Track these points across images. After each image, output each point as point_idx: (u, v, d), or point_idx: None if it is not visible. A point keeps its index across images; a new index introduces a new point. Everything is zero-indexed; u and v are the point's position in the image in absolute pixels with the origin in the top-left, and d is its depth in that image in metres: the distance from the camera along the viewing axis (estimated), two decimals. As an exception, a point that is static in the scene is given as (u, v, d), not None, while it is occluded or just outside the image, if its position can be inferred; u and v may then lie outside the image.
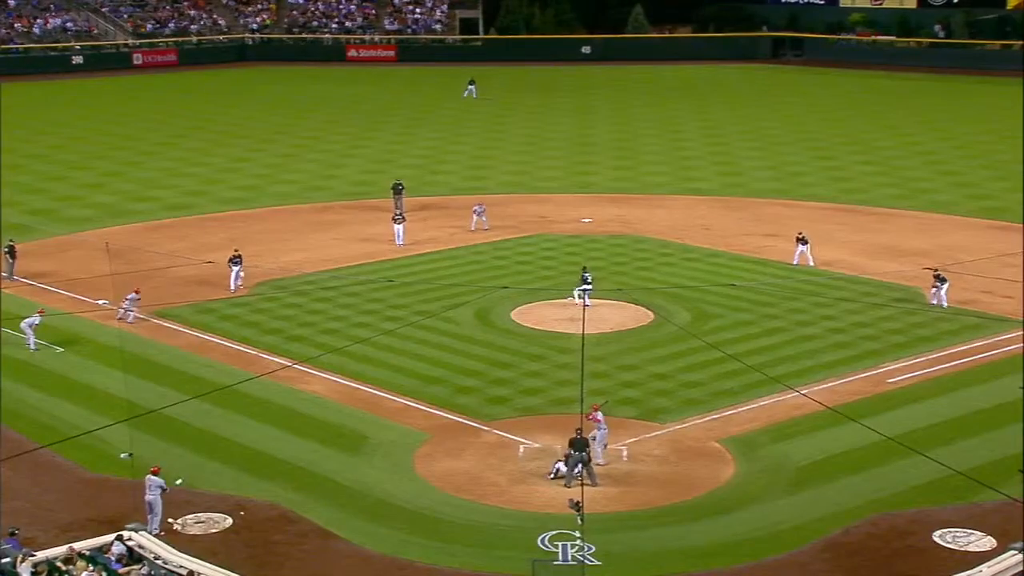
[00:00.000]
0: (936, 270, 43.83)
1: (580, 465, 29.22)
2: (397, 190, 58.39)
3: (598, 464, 30.31)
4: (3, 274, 46.23)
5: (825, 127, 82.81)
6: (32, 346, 38.95)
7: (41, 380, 36.64)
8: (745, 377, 35.62)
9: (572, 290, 42.45)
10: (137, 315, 40.70)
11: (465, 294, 43.72)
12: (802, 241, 49.26)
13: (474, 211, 54.79)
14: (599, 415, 30.93)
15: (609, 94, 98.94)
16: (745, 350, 38.08)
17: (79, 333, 40.72)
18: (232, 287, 44.62)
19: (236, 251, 45.46)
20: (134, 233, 54.46)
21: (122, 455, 29.27)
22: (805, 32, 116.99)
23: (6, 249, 46.67)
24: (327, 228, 55.70)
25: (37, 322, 39.21)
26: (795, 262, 48.92)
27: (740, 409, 34.27)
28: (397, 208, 57.35)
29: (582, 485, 27.89)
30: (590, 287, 42.10)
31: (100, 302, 43.51)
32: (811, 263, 48.43)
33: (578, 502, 26.14)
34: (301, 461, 31.06)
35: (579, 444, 29.41)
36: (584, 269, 43.76)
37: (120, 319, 37.49)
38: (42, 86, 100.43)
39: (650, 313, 42.50)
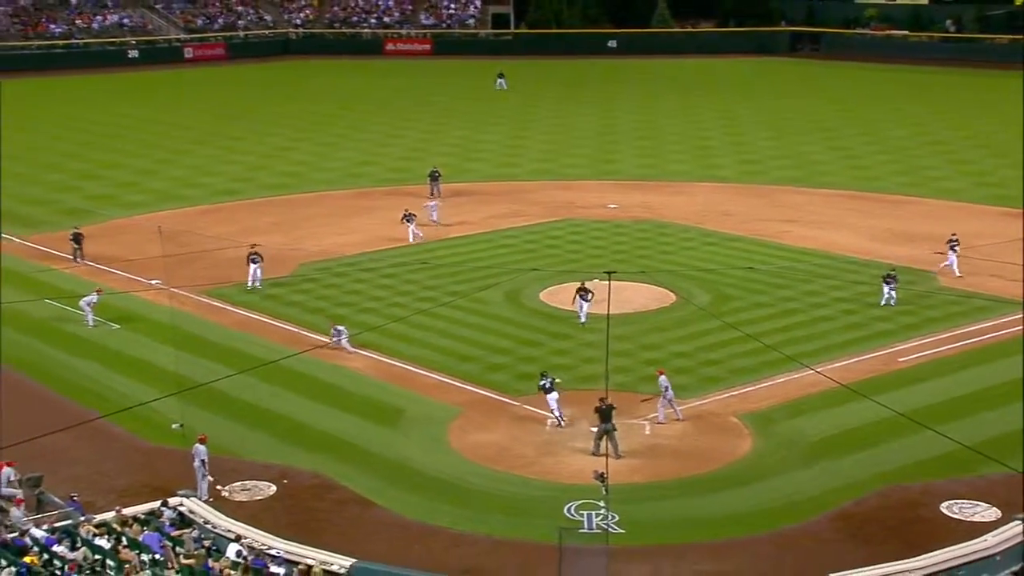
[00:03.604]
0: (892, 270, 41.94)
1: (605, 435, 29.27)
2: (434, 177, 58.29)
3: (660, 423, 31.06)
4: (71, 258, 46.51)
5: (840, 117, 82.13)
6: (90, 323, 39.30)
7: (98, 355, 37.01)
8: (762, 356, 35.49)
9: (576, 300, 38.49)
10: (348, 346, 36.83)
11: (496, 276, 43.67)
12: (952, 247, 44.00)
13: (426, 206, 52.60)
14: (663, 379, 31.47)
15: (634, 86, 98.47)
16: (762, 330, 37.91)
17: (133, 311, 41.05)
18: (249, 284, 43.02)
19: (254, 247, 44.05)
20: (185, 217, 54.74)
21: (173, 425, 29.52)
22: (822, 27, 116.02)
23: (71, 236, 47.00)
24: (366, 213, 55.81)
25: (95, 300, 39.55)
26: (942, 266, 43.96)
27: (757, 386, 34.15)
28: (433, 194, 57.46)
29: (606, 456, 27.88)
30: (588, 302, 38.70)
31: (153, 282, 43.82)
32: (956, 273, 43.43)
33: (603, 473, 26.15)
34: (341, 433, 31.21)
35: (605, 413, 29.46)
36: (581, 285, 39.37)
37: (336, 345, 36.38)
38: (100, 79, 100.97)
39: (672, 295, 42.37)
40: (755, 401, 33.19)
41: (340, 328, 37.56)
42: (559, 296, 42.03)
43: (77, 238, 47.14)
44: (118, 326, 39.56)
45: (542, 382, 32.17)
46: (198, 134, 77.39)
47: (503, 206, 57.18)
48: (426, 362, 35.98)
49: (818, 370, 33.48)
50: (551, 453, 30.04)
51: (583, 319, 38.19)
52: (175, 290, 42.46)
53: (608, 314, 34.00)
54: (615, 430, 29.48)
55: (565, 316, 39.75)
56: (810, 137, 75.31)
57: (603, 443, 29.29)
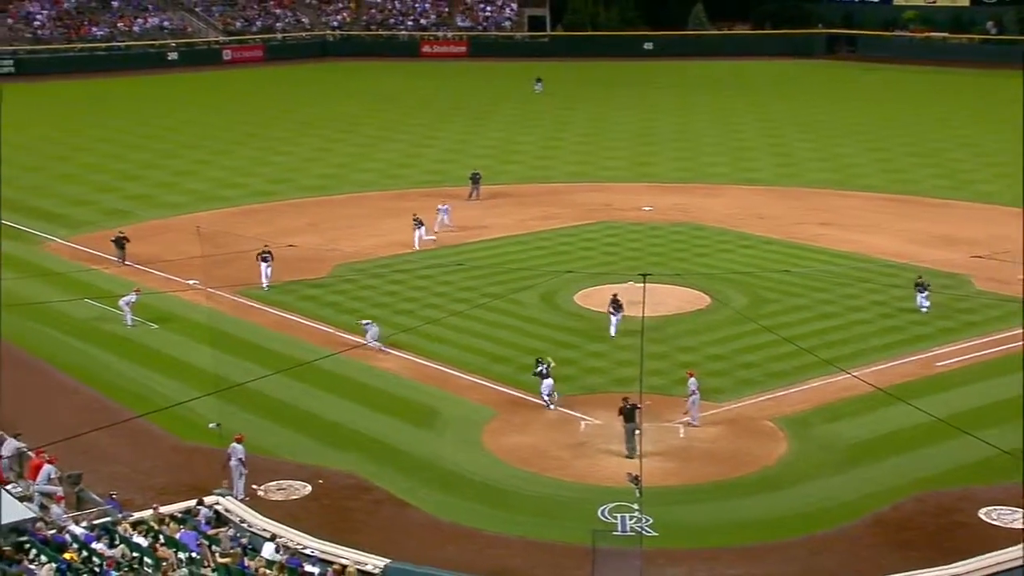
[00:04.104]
0: (920, 277, 41.41)
1: (634, 434, 29.40)
2: (475, 179, 58.27)
3: (693, 426, 30.86)
4: (116, 260, 46.72)
5: (877, 120, 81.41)
6: (129, 322, 39.62)
7: (137, 354, 37.31)
8: (798, 359, 35.27)
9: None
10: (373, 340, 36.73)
11: (531, 278, 43.67)
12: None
13: (439, 210, 51.87)
14: (693, 381, 31.24)
15: (670, 88, 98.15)
16: (799, 333, 37.67)
17: (171, 311, 41.35)
18: (264, 285, 43.15)
19: (266, 247, 44.13)
20: (222, 218, 55.09)
21: (210, 425, 29.70)
22: (859, 29, 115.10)
23: (115, 239, 47.19)
24: (402, 214, 55.73)
25: (133, 300, 39.85)
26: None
27: (793, 390, 33.94)
28: (472, 196, 57.37)
29: (640, 458, 27.81)
30: (619, 316, 37.34)
31: (191, 282, 44.13)
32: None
33: (637, 476, 26.09)
34: (376, 433, 31.30)
35: (628, 413, 29.51)
36: (613, 298, 38.04)
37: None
38: (141, 81, 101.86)
39: (707, 297, 42.18)
40: (791, 405, 32.98)
41: (369, 322, 37.92)
42: (594, 298, 41.94)
43: (120, 242, 47.23)
44: (156, 326, 39.88)
45: (538, 368, 32.75)
46: (236, 135, 77.87)
47: (539, 208, 57.11)
48: (461, 363, 36.01)
49: (854, 374, 33.21)
50: (585, 455, 29.99)
51: (613, 333, 37.56)
52: (212, 290, 42.75)
53: (643, 317, 33.89)
54: (639, 431, 29.51)
55: (600, 318, 39.63)
56: (847, 139, 74.73)
57: (637, 443, 29.31)
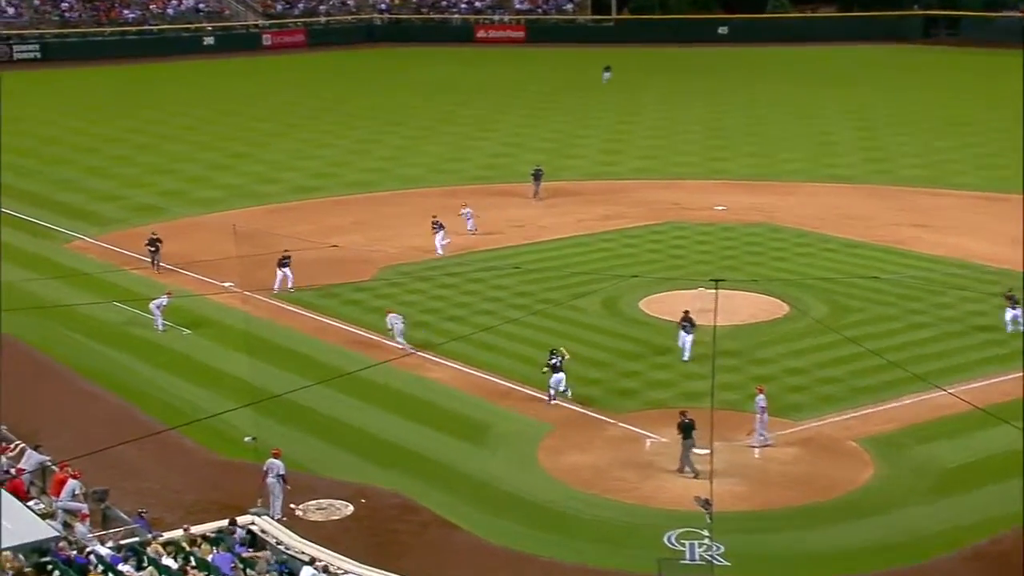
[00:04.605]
0: (1010, 290, 40.27)
1: (690, 452, 29.45)
2: (537, 176, 58.44)
3: (768, 445, 30.71)
4: (150, 263, 46.85)
5: (979, 111, 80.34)
6: (160, 327, 40.07)
7: (168, 361, 37.74)
8: (886, 374, 34.88)
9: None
10: (400, 339, 37.92)
11: (593, 282, 43.59)
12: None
13: (462, 213, 51.60)
14: (762, 397, 31.03)
15: (746, 76, 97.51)
16: (886, 346, 37.24)
17: (205, 315, 41.78)
18: (276, 288, 43.39)
19: (286, 252, 44.44)
20: (260, 215, 55.59)
21: (246, 439, 29.92)
22: (960, 10, 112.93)
23: (148, 242, 47.19)
24: (454, 213, 56.08)
25: (165, 303, 40.30)
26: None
27: (881, 407, 33.55)
28: (536, 194, 57.42)
29: (711, 480, 27.62)
30: (692, 335, 36.52)
31: (226, 285, 44.52)
32: None
33: (707, 499, 25.90)
34: (423, 450, 31.39)
35: (686, 428, 29.49)
36: (684, 315, 37.42)
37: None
38: (174, 67, 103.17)
39: (785, 305, 41.85)
40: (878, 424, 32.61)
41: (396, 316, 38.30)
42: (661, 305, 41.85)
43: (154, 244, 47.10)
44: (189, 331, 40.30)
45: (551, 360, 33.47)
46: (276, 126, 78.57)
47: (601, 207, 57.02)
48: (516, 374, 36.00)
49: (949, 391, 32.73)
50: (650, 476, 29.87)
51: (686, 357, 36.63)
52: (249, 294, 43.14)
53: (715, 326, 33.68)
54: (694, 446, 29.52)
55: (667, 327, 39.46)
56: (943, 133, 73.83)
57: (696, 460, 29.44)
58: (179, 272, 46.63)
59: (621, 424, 32.67)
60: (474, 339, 38.02)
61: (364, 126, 78.51)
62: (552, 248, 50.02)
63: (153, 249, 47.00)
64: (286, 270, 44.00)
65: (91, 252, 50.33)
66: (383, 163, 67.48)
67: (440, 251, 48.49)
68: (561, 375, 33.92)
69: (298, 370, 35.96)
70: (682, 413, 30.17)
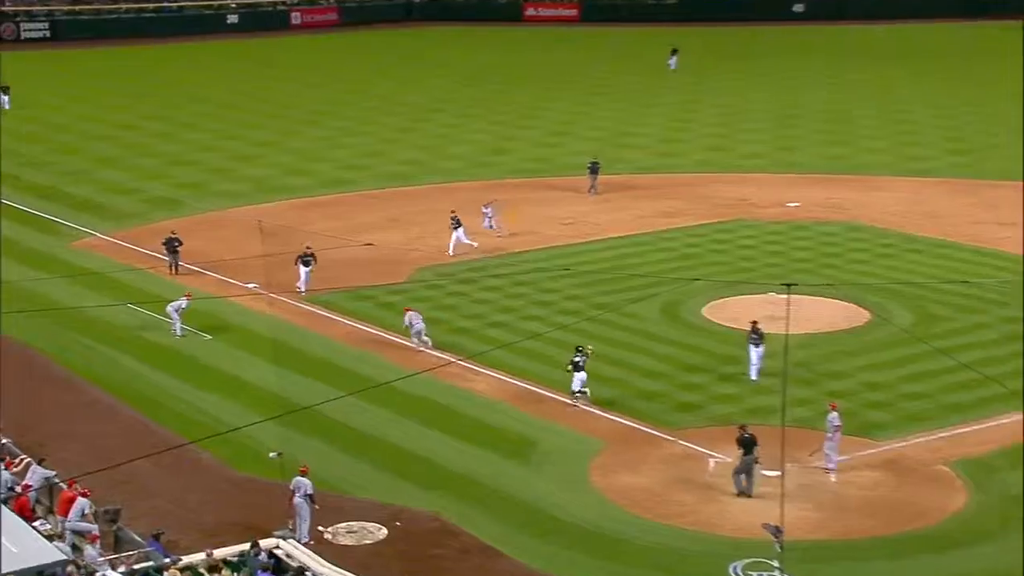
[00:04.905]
0: None
1: (746, 472, 29.37)
2: (593, 169, 58.45)
3: (830, 470, 30.61)
4: (167, 267, 46.69)
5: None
6: (178, 332, 40.34)
7: (186, 369, 37.99)
8: (980, 389, 34.55)
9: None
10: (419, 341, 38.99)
11: (651, 286, 43.41)
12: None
13: (483, 211, 51.31)
14: (834, 415, 30.81)
15: (822, 58, 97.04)
16: (980, 358, 36.90)
17: (228, 319, 42.05)
18: (303, 288, 43.88)
19: (308, 248, 44.61)
20: (287, 210, 55.93)
21: (271, 454, 29.99)
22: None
23: (165, 242, 47.26)
24: (497, 208, 56.19)
25: (184, 306, 40.53)
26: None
27: (974, 427, 33.21)
28: (592, 189, 57.39)
29: (781, 505, 27.48)
30: (760, 348, 36.19)
31: (250, 286, 44.77)
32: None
33: (777, 527, 25.75)
34: (464, 468, 31.43)
35: (745, 444, 29.39)
36: (753, 327, 36.90)
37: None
38: (196, 48, 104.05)
39: (865, 312, 41.59)
40: (971, 445, 32.29)
41: (414, 314, 38.75)
42: (726, 311, 41.71)
43: (172, 245, 47.09)
44: (209, 336, 40.57)
45: (577, 358, 34.31)
46: (305, 113, 79.01)
47: (661, 203, 56.93)
48: (565, 386, 35.83)
49: (1049, 410, 32.45)
50: (713, 499, 29.76)
51: (754, 376, 36.29)
52: (275, 296, 43.39)
53: (786, 335, 33.51)
54: (757, 463, 29.43)
55: (732, 335, 39.35)
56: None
57: (746, 479, 29.39)
58: (199, 272, 46.96)
59: (681, 441, 32.58)
60: (520, 347, 38.02)
61: (400, 113, 78.77)
62: (606, 248, 49.99)
63: (171, 250, 47.08)
64: (308, 269, 44.20)
65: (102, 249, 50.80)
66: (420, 154, 67.67)
67: (452, 251, 48.44)
68: (583, 375, 34.54)
69: (328, 380, 36.12)
70: (741, 428, 30.19)
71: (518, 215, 52.45)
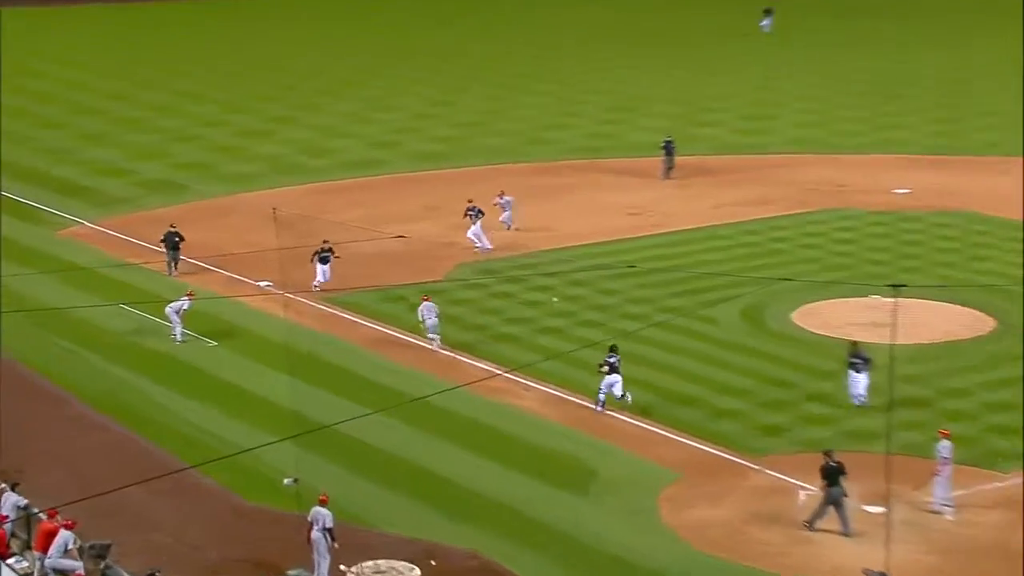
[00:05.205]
0: None
1: (832, 505, 29.24)
2: (668, 149, 58.43)
3: (946, 508, 30.25)
4: (166, 268, 46.90)
5: None
6: (178, 337, 40.52)
7: (188, 381, 38.13)
8: None
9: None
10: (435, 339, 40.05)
11: (731, 287, 43.30)
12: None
13: (498, 203, 51.37)
14: (946, 445, 30.50)
15: (940, 17, 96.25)
16: (1126, 375, 36.57)
17: (235, 322, 42.24)
18: (320, 284, 44.35)
19: (326, 243, 44.98)
20: (306, 196, 56.17)
21: (285, 481, 30.05)
22: None
23: (164, 238, 47.28)
24: (550, 195, 56.11)
25: (185, 307, 40.67)
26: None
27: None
28: (667, 172, 57.56)
29: (887, 546, 27.29)
30: (864, 374, 35.68)
31: (263, 284, 44.97)
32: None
33: (882, 573, 25.58)
34: (510, 499, 31.36)
35: (832, 474, 29.33)
36: (854, 349, 36.43)
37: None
38: (199, 5, 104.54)
39: (989, 319, 41.33)
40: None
41: (430, 305, 39.20)
42: (820, 317, 41.53)
43: (173, 241, 47.20)
44: (215, 343, 40.77)
45: (611, 358, 35.06)
46: (326, 82, 79.28)
47: (744, 189, 56.89)
48: (630, 404, 35.90)
49: None
50: (804, 539, 29.52)
51: (858, 399, 35.76)
52: (292, 296, 43.49)
53: (892, 346, 33.22)
54: (846, 497, 29.29)
55: (827, 345, 39.13)
56: None
57: (838, 516, 29.20)
58: (203, 268, 47.17)
59: (766, 471, 32.40)
60: (576, 358, 37.86)
61: (437, 81, 78.88)
62: (679, 242, 49.99)
63: (171, 247, 47.18)
64: (327, 267, 44.43)
65: (90, 240, 51.21)
66: (459, 130, 67.79)
67: (483, 243, 48.76)
68: (618, 377, 34.92)
69: (352, 394, 36.21)
70: (826, 454, 29.90)
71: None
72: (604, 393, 35.34)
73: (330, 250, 44.80)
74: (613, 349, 35.65)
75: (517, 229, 50.95)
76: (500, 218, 50.92)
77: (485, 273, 46.55)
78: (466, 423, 35.02)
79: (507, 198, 51.44)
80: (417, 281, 44.99)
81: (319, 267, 44.53)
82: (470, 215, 49.14)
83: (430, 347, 39.63)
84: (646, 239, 50.35)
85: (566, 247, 49.21)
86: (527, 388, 37.16)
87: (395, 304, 43.72)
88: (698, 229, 51.47)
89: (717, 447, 33.69)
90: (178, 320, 40.60)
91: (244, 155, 63.13)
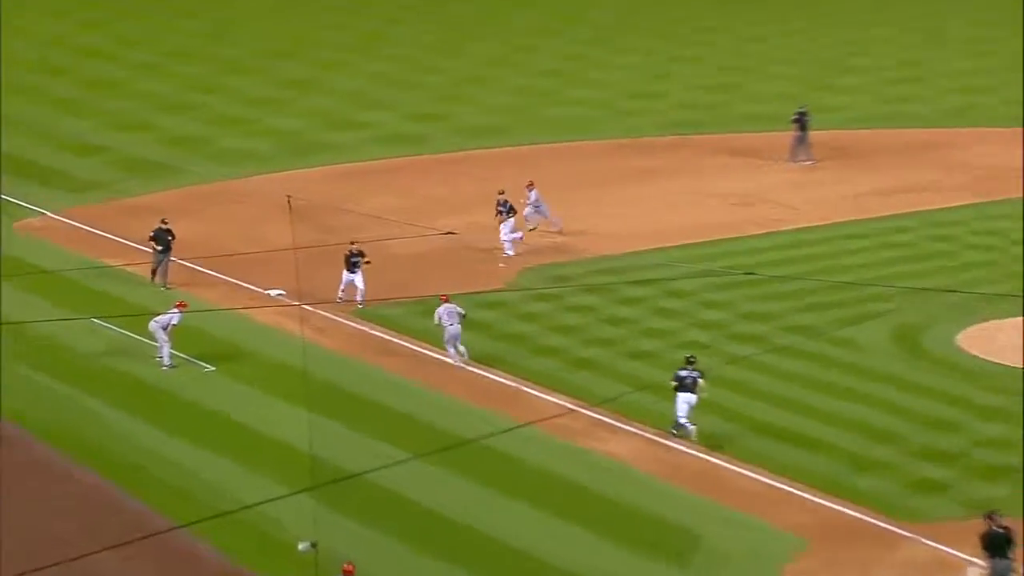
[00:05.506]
0: None
1: None
2: (801, 122, 58.31)
3: None
4: (150, 273, 46.82)
5: None
6: (166, 360, 40.41)
7: (177, 417, 37.99)
8: None
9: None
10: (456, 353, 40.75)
11: (875, 300, 43.37)
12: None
13: (529, 200, 51.09)
14: None
15: None
16: None
17: (238, 342, 42.20)
18: (340, 295, 44.63)
19: (354, 245, 44.93)
20: (328, 181, 56.26)
21: (300, 545, 29.90)
22: None
23: (152, 236, 46.91)
24: (637, 180, 55.94)
25: (175, 322, 40.52)
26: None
27: None
28: (799, 153, 57.46)
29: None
30: (692, 398, 36.54)
31: (273, 293, 45.01)
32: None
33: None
34: (591, 570, 31.21)
35: (996, 544, 29.18)
36: (688, 361, 37.22)
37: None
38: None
39: None
40: None
41: (450, 308, 39.51)
42: (993, 342, 41.35)
43: (164, 239, 46.85)
44: (212, 367, 40.64)
45: (685, 373, 35.57)
46: (354, 37, 79.41)
47: (889, 174, 56.61)
48: (742, 451, 35.65)
49: None
50: (974, 631, 29.29)
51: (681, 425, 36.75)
52: (310, 308, 43.40)
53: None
54: (1013, 573, 29.18)
55: (1004, 375, 38.92)
56: None
57: None
58: (197, 271, 47.19)
59: (922, 540, 32.17)
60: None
61: (493, 37, 78.83)
62: (809, 242, 49.98)
63: (161, 246, 46.82)
64: (356, 275, 44.40)
65: (55, 236, 51.24)
66: (520, 98, 67.83)
67: (508, 249, 48.85)
68: (692, 398, 35.19)
69: (385, 434, 36.16)
70: (989, 517, 29.73)
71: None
72: (683, 417, 35.70)
73: (359, 253, 44.51)
74: (690, 361, 35.84)
75: (558, 230, 50.80)
76: (524, 213, 50.66)
77: (558, 281, 46.43)
78: (534, 473, 34.90)
79: (533, 192, 51.08)
80: (469, 290, 44.86)
81: (345, 275, 44.30)
82: (501, 212, 49.10)
83: (453, 363, 40.07)
84: (762, 238, 50.30)
85: (657, 248, 49.11)
86: (612, 428, 36.95)
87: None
88: (832, 225, 51.40)
89: (857, 508, 33.39)
90: (165, 339, 40.47)
91: (250, 128, 63.22)
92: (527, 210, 50.77)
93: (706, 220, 51.46)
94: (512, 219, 49.19)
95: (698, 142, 60.48)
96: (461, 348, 40.00)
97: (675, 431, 35.84)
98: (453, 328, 39.85)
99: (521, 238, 49.29)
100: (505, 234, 48.99)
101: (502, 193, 49.57)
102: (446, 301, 40.30)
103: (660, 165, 57.25)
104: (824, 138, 59.73)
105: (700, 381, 35.82)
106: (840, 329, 41.68)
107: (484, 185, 55.32)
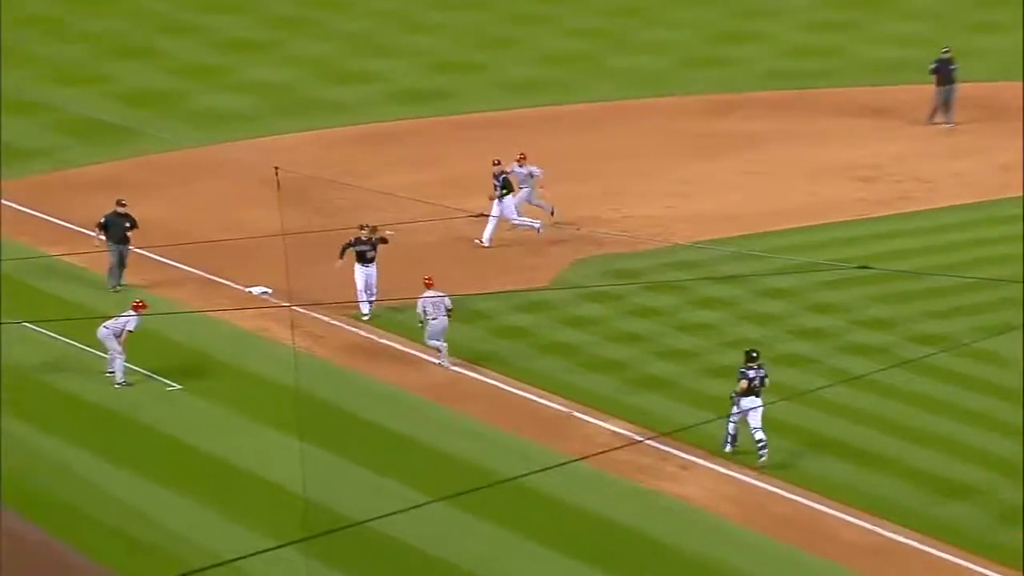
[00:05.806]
0: None
1: None
2: (944, 72, 58.53)
3: None
4: (107, 277, 47.27)
5: None
6: (119, 376, 40.75)
7: (134, 448, 38.24)
8: None
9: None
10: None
11: (1024, 303, 43.31)
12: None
13: (513, 172, 51.34)
14: None
15: None
16: None
17: (211, 354, 42.56)
18: (364, 300, 45.10)
19: (365, 229, 45.24)
20: (327, 148, 56.90)
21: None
22: None
23: (101, 222, 47.25)
24: (723, 148, 56.08)
25: (131, 327, 40.75)
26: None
27: None
28: (938, 112, 57.47)
29: None
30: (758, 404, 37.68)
31: (255, 291, 45.61)
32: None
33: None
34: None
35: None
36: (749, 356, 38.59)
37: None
38: None
39: None
40: None
41: (435, 298, 40.25)
42: None
43: (120, 227, 47.11)
44: (178, 385, 40.92)
45: (750, 371, 36.38)
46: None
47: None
48: (857, 496, 35.78)
49: None
50: None
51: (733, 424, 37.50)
52: (301, 309, 43.60)
53: None
54: None
55: None
56: None
57: None
58: (159, 264, 47.53)
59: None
60: (767, 415, 37.68)
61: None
62: (942, 227, 50.36)
63: (115, 236, 47.09)
64: (371, 269, 44.80)
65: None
66: (578, 44, 68.03)
67: (523, 220, 49.83)
68: (757, 402, 35.75)
69: (395, 471, 36.37)
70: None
71: None
72: (735, 423, 36.29)
73: (370, 241, 44.58)
74: (752, 357, 36.49)
75: (545, 210, 51.13)
76: (526, 196, 51.20)
77: (619, 276, 46.50)
78: (586, 521, 35.07)
79: (532, 167, 51.42)
80: (509, 288, 45.07)
81: (359, 271, 44.51)
82: (496, 185, 49.60)
83: (436, 362, 41.03)
84: (886, 221, 50.77)
85: (749, 234, 49.51)
86: (686, 464, 37.16)
87: (471, 326, 43.94)
88: (976, 205, 51.70)
89: (1010, 571, 33.47)
90: (119, 349, 40.75)
91: (228, 81, 63.54)
92: (524, 191, 50.95)
93: (815, 199, 51.84)
94: (510, 197, 49.65)
95: (804, 99, 60.60)
96: (442, 344, 40.90)
97: (730, 446, 36.82)
98: (438, 322, 40.45)
99: (540, 229, 49.79)
100: (513, 215, 49.61)
101: (497, 163, 49.99)
102: (430, 287, 40.79)
103: (755, 129, 57.37)
104: (966, 91, 59.79)
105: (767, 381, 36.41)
106: (979, 340, 41.75)
107: (527, 154, 55.59)
